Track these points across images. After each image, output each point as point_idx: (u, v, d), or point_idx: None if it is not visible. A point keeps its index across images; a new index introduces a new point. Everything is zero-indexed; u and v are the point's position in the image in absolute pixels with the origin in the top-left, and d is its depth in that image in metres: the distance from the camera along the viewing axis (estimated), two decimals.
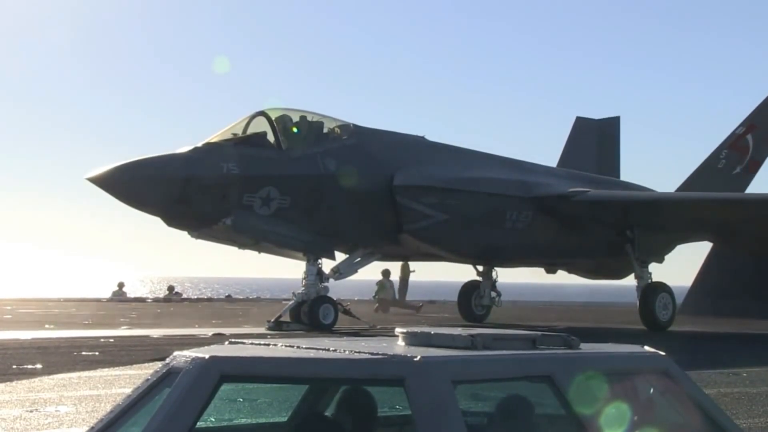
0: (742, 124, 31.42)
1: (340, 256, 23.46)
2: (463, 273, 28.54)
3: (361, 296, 40.28)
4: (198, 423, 3.66)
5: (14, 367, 13.15)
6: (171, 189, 19.97)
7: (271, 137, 21.78)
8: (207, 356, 3.77)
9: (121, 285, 41.82)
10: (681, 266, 50.31)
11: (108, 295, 41.11)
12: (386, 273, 32.13)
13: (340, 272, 23.07)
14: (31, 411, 9.34)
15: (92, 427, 3.94)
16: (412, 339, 4.22)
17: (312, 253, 22.32)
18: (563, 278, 29.73)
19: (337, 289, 24.01)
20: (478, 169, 24.88)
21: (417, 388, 3.57)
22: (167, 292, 44.16)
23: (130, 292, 43.96)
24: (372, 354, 3.79)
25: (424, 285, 36.60)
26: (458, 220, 23.53)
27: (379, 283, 32.35)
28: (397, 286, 32.81)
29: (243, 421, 5.06)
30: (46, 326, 21.54)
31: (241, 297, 52.72)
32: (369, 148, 23.05)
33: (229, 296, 49.15)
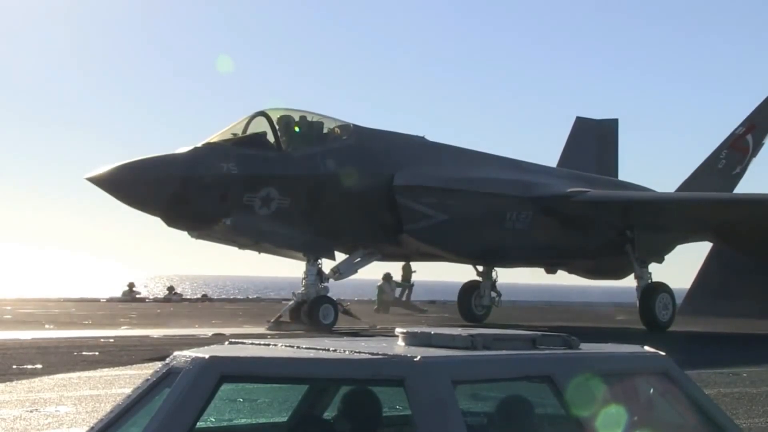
0: (742, 124, 31.45)
1: (340, 256, 23.47)
2: (463, 273, 28.58)
3: (361, 296, 40.26)
4: (198, 423, 3.66)
5: (14, 367, 13.16)
6: (171, 189, 19.97)
7: (271, 137, 21.77)
8: (207, 356, 3.77)
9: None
10: (681, 267, 50.31)
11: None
12: (387, 276, 32.02)
13: (340, 272, 23.06)
14: (31, 411, 9.35)
15: (92, 427, 3.94)
16: (412, 339, 4.22)
17: (312, 253, 22.32)
18: (563, 278, 29.73)
19: (337, 289, 24.00)
20: (478, 169, 24.89)
21: (417, 388, 3.57)
22: (167, 292, 44.10)
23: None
24: (372, 354, 3.79)
25: (424, 285, 36.53)
26: (458, 220, 23.52)
27: (379, 287, 32.25)
28: (398, 288, 32.67)
29: (243, 421, 5.06)
30: (46, 326, 21.54)
31: (228, 297, 52.19)
32: (369, 148, 23.04)
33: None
